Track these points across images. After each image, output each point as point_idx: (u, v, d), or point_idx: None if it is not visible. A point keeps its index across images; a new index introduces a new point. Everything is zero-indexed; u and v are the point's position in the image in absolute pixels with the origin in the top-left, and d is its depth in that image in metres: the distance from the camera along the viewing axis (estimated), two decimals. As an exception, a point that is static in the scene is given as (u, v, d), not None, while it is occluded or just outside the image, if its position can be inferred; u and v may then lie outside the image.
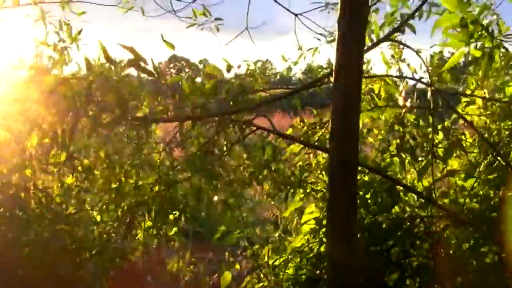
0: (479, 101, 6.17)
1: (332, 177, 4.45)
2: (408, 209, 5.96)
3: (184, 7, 7.72)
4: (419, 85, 6.05)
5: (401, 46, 6.46)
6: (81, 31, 6.51)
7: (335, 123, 4.37)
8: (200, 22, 7.63)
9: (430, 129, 5.71)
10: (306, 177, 6.32)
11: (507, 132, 5.95)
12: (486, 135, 5.89)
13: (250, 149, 6.09)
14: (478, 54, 4.88)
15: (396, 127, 5.90)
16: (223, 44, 8.01)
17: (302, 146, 6.41)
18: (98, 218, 6.76)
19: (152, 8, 8.01)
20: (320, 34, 7.50)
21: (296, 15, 7.65)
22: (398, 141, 5.84)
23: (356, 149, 4.42)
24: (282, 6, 7.87)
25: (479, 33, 4.83)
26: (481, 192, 5.80)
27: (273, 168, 6.23)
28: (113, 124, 5.31)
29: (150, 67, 5.22)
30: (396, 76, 6.22)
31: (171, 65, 73.74)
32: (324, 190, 6.10)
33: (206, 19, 7.62)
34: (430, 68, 5.86)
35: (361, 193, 5.82)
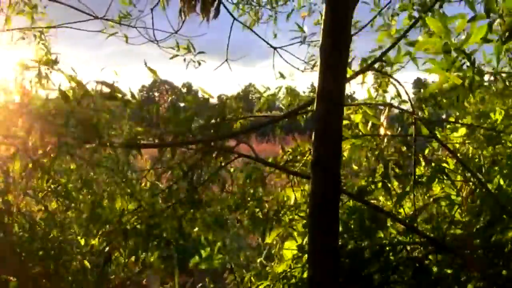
0: (463, 129, 6.22)
1: (314, 206, 4.45)
2: (391, 234, 5.96)
3: (166, 37, 7.94)
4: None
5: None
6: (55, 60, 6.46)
7: (317, 151, 4.38)
8: (183, 54, 7.77)
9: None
10: (286, 211, 6.31)
11: (489, 159, 6.00)
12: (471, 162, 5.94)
13: (233, 177, 6.09)
14: (458, 81, 4.93)
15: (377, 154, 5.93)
16: (207, 70, 8.11)
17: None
18: (82, 242, 6.73)
19: (136, 34, 8.10)
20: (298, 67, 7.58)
21: (275, 48, 7.94)
22: (381, 169, 5.85)
23: (338, 177, 4.42)
24: (262, 39, 8.04)
25: (461, 61, 4.90)
26: (463, 219, 5.82)
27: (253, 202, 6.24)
28: (93, 149, 5.31)
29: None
30: (378, 104, 6.25)
31: (155, 89, 73.83)
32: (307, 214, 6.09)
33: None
34: (412, 96, 5.91)
35: (344, 218, 5.82)
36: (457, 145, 6.29)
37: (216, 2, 7.84)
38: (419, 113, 6.08)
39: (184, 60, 7.87)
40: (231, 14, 8.13)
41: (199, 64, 7.81)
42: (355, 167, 6.41)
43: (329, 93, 4.28)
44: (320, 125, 4.36)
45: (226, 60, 7.83)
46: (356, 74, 5.83)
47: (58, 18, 8.19)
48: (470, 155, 6.20)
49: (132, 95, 5.23)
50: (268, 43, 8.04)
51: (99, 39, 8.25)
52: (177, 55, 7.78)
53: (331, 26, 4.29)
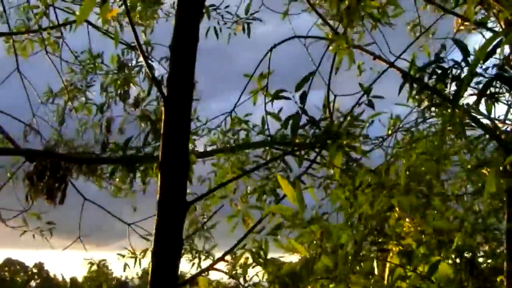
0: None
1: None
2: None
3: (15, 216, 8.23)
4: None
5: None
6: None
7: None
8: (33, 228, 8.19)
9: None
10: None
11: None
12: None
13: None
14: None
15: None
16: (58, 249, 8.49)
17: None
18: None
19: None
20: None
21: (129, 224, 8.36)
22: None
23: None
24: (115, 217, 8.50)
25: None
26: None
27: None
28: None
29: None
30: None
31: (6, 268, 70.69)
32: None
33: (39, 225, 8.22)
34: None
35: None
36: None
37: (62, 187, 8.02)
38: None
39: (34, 236, 8.28)
40: (81, 195, 8.50)
41: (51, 234, 8.24)
42: None
43: (162, 280, 4.25)
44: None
45: (79, 237, 8.36)
46: (193, 277, 5.57)
47: None
48: None
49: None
50: (122, 220, 8.41)
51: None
52: (26, 231, 8.22)
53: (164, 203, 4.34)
